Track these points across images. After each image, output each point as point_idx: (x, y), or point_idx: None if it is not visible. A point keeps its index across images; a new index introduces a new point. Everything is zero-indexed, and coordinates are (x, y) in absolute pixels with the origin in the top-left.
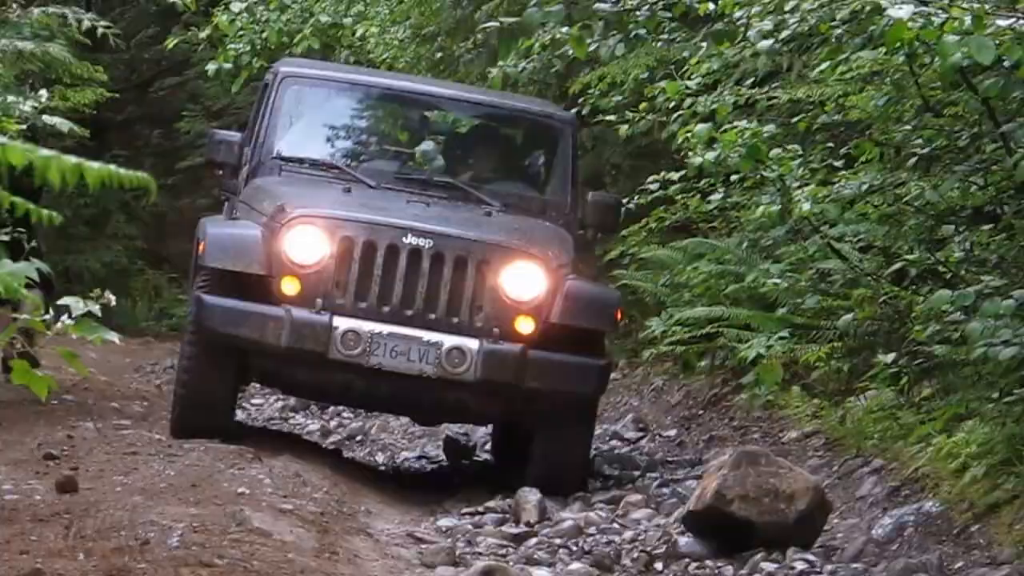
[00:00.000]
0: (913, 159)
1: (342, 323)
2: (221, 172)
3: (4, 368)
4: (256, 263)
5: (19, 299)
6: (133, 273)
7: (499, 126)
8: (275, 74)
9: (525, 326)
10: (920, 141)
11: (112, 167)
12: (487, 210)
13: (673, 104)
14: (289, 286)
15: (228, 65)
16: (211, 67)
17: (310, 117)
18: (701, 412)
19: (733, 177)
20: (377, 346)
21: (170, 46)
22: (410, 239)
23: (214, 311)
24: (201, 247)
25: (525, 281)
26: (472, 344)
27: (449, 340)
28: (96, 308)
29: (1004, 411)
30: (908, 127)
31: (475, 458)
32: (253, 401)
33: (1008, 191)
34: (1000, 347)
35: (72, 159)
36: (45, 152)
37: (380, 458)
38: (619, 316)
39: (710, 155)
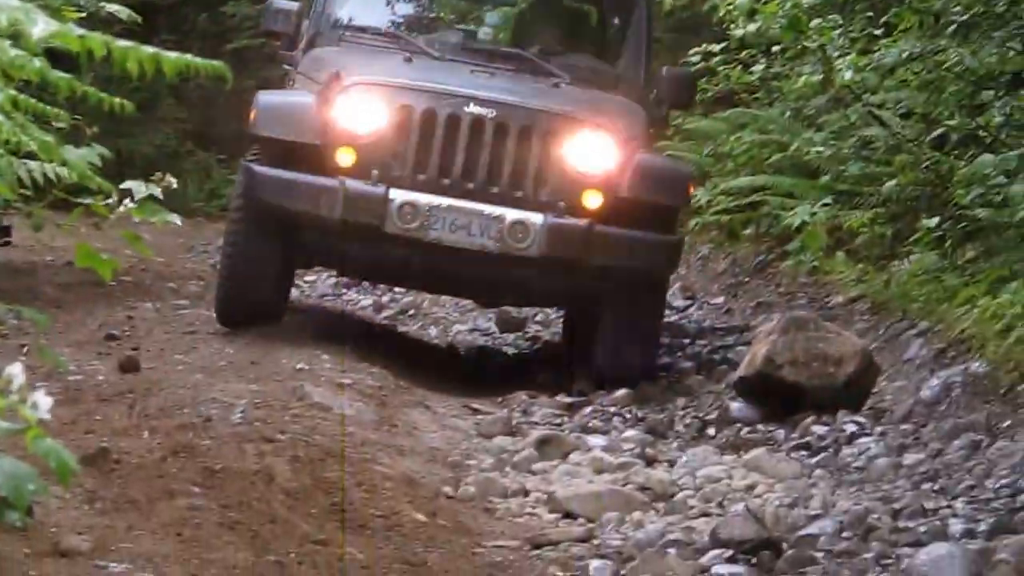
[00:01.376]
0: (952, 26)
1: (399, 195)
2: (278, 43)
3: None
4: (309, 132)
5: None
6: (183, 155)
7: None
8: None
9: (592, 200)
10: (958, 8)
11: (188, 56)
12: (555, 82)
13: None
14: (344, 157)
15: None
16: None
17: None
18: (747, 279)
19: (774, 48)
20: (436, 220)
21: None
22: (472, 108)
23: (264, 182)
24: (252, 116)
25: (593, 153)
26: (536, 218)
27: (512, 214)
28: (158, 191)
29: None
30: None
31: (526, 331)
32: (306, 278)
33: None
34: None
35: (150, 49)
36: (123, 43)
37: (433, 332)
38: (690, 190)
39: (752, 27)
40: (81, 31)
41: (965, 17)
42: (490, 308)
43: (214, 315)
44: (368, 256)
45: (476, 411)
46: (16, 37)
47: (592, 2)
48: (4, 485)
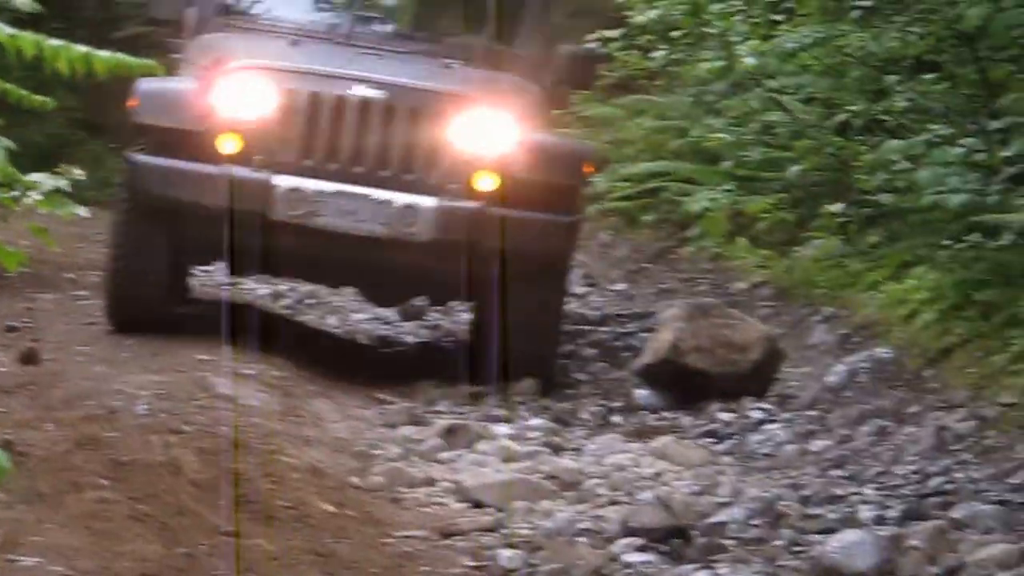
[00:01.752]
0: (854, 11)
1: (285, 181)
2: (164, 30)
3: None
4: (191, 118)
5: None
6: (75, 144)
7: None
8: None
9: (485, 182)
10: None
11: (120, 55)
12: (447, 63)
13: None
14: (228, 143)
15: None
16: None
17: None
18: (649, 266)
19: (674, 33)
20: (323, 205)
21: None
22: (358, 90)
23: (147, 171)
24: (134, 103)
25: (486, 134)
26: (426, 202)
27: (401, 198)
28: (65, 183)
29: (953, 257)
30: None
31: (427, 319)
32: (203, 269)
33: (949, 40)
34: (949, 194)
35: (81, 48)
36: (54, 42)
37: (332, 320)
38: (588, 170)
39: (653, 13)
40: (12, 30)
41: (867, 2)
42: (387, 306)
43: None
44: (255, 246)
45: (380, 401)
46: None
47: None
48: None
